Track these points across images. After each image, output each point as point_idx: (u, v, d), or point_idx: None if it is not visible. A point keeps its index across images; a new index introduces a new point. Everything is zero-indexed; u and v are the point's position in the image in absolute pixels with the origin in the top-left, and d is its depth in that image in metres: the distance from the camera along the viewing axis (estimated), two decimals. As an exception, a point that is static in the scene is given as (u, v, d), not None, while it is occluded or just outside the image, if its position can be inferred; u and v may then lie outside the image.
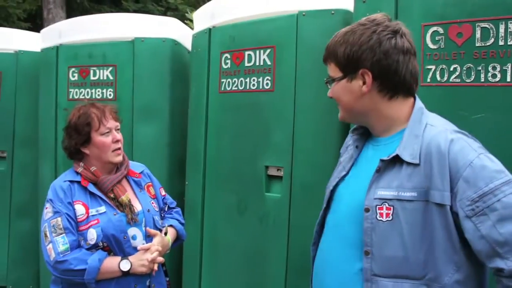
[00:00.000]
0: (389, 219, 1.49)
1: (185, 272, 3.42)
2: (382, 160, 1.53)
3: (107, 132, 2.21)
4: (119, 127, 2.29)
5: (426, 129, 1.51)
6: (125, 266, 2.12)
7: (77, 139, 2.21)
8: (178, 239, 2.49)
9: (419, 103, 1.60)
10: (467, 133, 1.54)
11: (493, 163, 1.41)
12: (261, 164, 2.88)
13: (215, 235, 3.15)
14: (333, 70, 1.63)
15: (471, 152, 1.41)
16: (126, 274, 2.12)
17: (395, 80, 1.55)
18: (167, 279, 2.43)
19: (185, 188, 3.45)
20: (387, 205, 1.49)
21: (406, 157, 1.48)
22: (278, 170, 2.82)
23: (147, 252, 2.17)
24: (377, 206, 1.50)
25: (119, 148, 2.25)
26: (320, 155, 2.62)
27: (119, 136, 2.26)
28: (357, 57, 1.54)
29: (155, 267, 2.18)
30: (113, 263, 2.12)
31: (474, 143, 1.47)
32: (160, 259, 2.21)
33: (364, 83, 1.56)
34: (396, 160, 1.51)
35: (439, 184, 1.42)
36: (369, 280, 1.52)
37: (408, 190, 1.46)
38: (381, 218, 1.50)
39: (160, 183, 2.55)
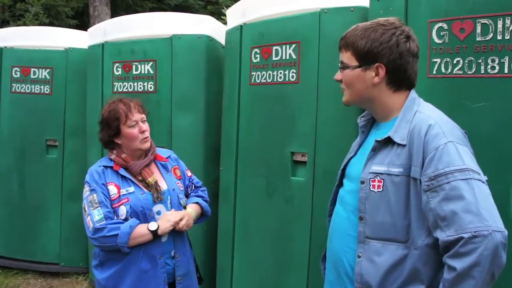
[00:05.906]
0: (380, 190, 1.71)
1: (219, 249, 3.66)
2: (377, 141, 1.76)
3: (134, 125, 2.49)
4: (145, 119, 2.56)
5: (415, 115, 1.72)
6: (152, 226, 2.37)
7: (109, 131, 2.51)
8: (203, 215, 2.72)
9: (413, 94, 1.81)
10: (451, 121, 1.72)
11: (456, 152, 1.58)
12: (287, 150, 3.08)
13: (246, 215, 3.38)
14: (348, 58, 1.82)
15: (442, 139, 1.60)
16: (155, 235, 2.36)
17: (403, 77, 1.77)
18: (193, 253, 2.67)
19: (219, 173, 3.68)
20: (378, 178, 1.72)
21: (396, 138, 1.71)
22: (302, 156, 3.02)
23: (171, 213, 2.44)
24: (371, 179, 1.74)
25: (147, 137, 2.53)
26: (340, 142, 2.75)
27: (145, 126, 2.52)
28: (377, 52, 1.74)
29: (177, 224, 2.41)
30: (143, 227, 2.37)
31: (450, 132, 1.63)
32: (182, 222, 2.45)
33: (376, 75, 1.77)
34: (389, 141, 1.73)
35: (416, 161, 1.63)
36: (363, 241, 1.76)
37: (396, 166, 1.68)
38: (373, 189, 1.73)
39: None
